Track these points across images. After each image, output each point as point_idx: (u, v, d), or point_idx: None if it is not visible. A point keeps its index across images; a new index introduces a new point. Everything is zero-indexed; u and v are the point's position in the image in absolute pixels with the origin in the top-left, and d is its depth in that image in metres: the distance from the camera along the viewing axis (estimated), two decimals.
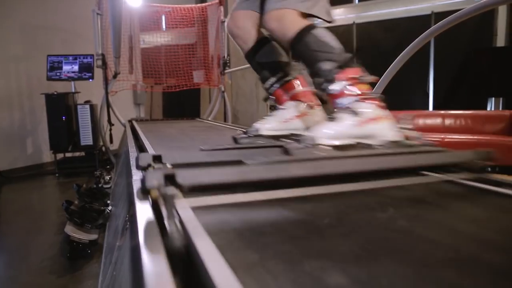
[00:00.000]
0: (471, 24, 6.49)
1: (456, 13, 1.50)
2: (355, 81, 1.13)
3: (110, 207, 2.02)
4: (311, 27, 1.25)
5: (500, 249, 0.50)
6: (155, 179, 0.64)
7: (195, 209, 0.63)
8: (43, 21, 4.78)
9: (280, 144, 1.25)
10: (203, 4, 5.70)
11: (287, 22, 1.27)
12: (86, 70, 4.52)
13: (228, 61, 4.97)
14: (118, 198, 1.71)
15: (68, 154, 4.63)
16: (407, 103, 6.94)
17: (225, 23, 1.52)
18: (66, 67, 4.48)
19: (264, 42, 1.46)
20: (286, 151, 1.00)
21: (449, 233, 0.55)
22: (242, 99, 6.21)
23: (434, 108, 7.03)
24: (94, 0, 4.24)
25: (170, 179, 0.67)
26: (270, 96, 1.47)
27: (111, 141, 4.20)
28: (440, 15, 6.80)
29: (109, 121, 4.13)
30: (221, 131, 2.62)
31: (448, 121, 4.72)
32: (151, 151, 1.51)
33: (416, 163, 0.95)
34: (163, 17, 5.81)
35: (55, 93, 4.35)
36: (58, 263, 2.04)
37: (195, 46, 5.60)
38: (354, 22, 7.82)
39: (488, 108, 6.50)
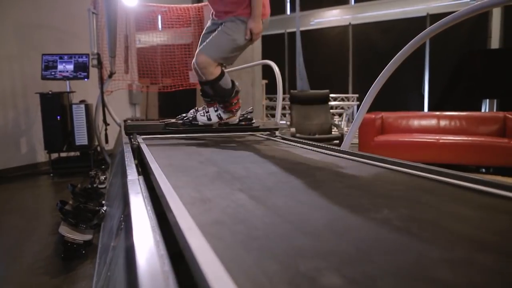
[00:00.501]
0: (465, 26, 6.54)
1: (451, 15, 1.51)
2: (229, 105, 2.08)
3: (105, 208, 2.01)
4: (220, 77, 1.96)
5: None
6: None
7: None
8: (38, 20, 4.75)
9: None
10: (199, 4, 5.70)
11: (206, 70, 1.93)
12: (82, 69, 4.49)
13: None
14: (113, 198, 1.71)
15: (63, 154, 4.60)
16: (403, 104, 6.99)
17: (192, 62, 2.10)
18: (61, 67, 4.45)
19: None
20: (188, 123, 2.17)
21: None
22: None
23: (429, 109, 7.08)
24: None
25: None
26: (205, 103, 2.23)
27: (107, 141, 4.18)
28: (435, 17, 6.85)
29: (104, 121, 4.12)
30: None
31: (443, 123, 4.75)
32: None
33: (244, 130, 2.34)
34: (159, 17, 5.80)
35: (50, 92, 4.32)
36: (52, 264, 2.02)
37: (191, 46, 5.60)
38: (350, 23, 7.86)
39: (483, 110, 6.55)
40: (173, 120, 2.19)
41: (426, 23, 6.96)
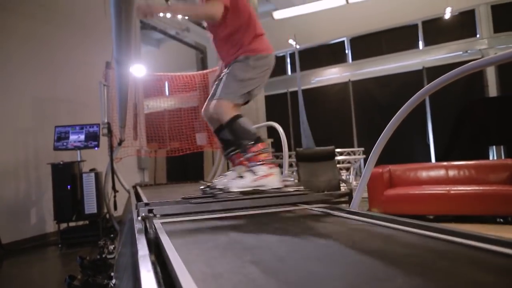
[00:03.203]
0: (463, 76, 6.75)
1: (451, 72, 1.58)
2: (259, 152, 1.85)
3: (113, 280, 1.96)
4: (237, 117, 1.88)
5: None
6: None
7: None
8: (53, 94, 5.01)
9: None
10: (205, 71, 6.00)
11: (221, 114, 1.90)
12: (92, 138, 4.63)
13: None
14: (122, 270, 1.67)
15: (72, 223, 4.59)
16: (409, 155, 6.99)
17: (202, 112, 2.14)
18: (72, 137, 4.60)
19: (223, 126, 2.03)
20: (213, 195, 1.77)
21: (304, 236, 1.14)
22: None
23: (436, 159, 7.06)
24: (101, 73, 4.49)
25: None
26: (227, 160, 2.13)
27: (115, 208, 4.18)
28: (431, 70, 7.11)
29: (113, 188, 4.15)
30: None
31: (451, 173, 4.71)
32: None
33: (289, 200, 1.76)
34: (166, 84, 6.08)
35: (61, 162, 4.42)
36: None
37: (198, 109, 5.79)
38: (349, 80, 8.15)
39: (490, 157, 6.52)
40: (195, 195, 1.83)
41: (423, 76, 7.20)
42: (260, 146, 1.86)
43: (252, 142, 1.84)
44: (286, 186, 1.89)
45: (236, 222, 1.43)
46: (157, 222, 1.40)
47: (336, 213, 1.53)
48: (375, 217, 1.37)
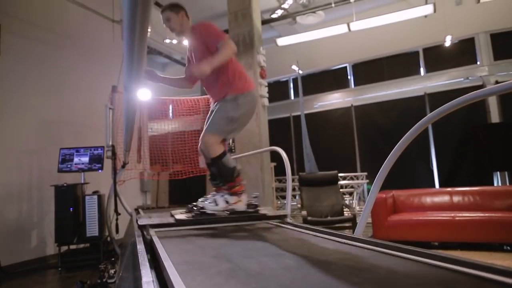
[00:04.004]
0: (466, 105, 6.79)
1: (454, 100, 1.61)
2: (233, 185, 2.25)
3: None
4: (222, 155, 2.21)
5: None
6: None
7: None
8: (58, 116, 5.08)
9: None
10: (208, 95, 6.08)
11: (209, 149, 2.21)
12: (96, 161, 4.65)
13: (233, 147, 5.12)
14: None
15: (73, 246, 4.54)
16: (412, 180, 6.96)
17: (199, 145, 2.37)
18: (76, 159, 4.63)
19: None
20: (197, 213, 2.24)
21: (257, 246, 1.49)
22: (248, 183, 6.25)
23: (440, 183, 7.01)
24: (107, 96, 4.56)
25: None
26: (213, 187, 2.40)
27: (117, 231, 4.15)
28: (433, 96, 7.18)
29: (116, 210, 4.14)
30: None
31: (456, 198, 4.67)
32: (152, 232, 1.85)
33: (248, 219, 2.28)
34: (171, 107, 6.15)
35: (65, 184, 4.43)
36: None
37: (201, 132, 5.83)
38: (352, 105, 8.22)
39: (495, 183, 6.47)
40: (183, 216, 2.23)
41: (425, 101, 7.26)
42: (238, 180, 2.26)
43: (231, 179, 2.24)
44: (249, 207, 2.32)
45: (212, 232, 2.00)
46: (152, 230, 1.93)
47: (284, 225, 2.13)
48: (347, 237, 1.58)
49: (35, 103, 4.79)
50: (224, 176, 2.23)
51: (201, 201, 2.30)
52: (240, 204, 2.26)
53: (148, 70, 2.48)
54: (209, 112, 2.43)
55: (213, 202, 2.25)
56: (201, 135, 2.29)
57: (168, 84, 2.68)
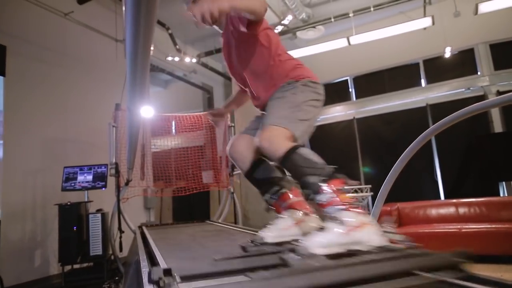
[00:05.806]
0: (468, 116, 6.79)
1: (457, 112, 1.62)
2: (338, 192, 1.27)
3: None
4: (297, 147, 1.40)
5: None
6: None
7: None
8: (63, 135, 5.12)
9: (281, 249, 1.36)
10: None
11: (276, 143, 1.43)
12: (100, 179, 4.66)
13: None
14: None
15: (76, 265, 4.51)
16: (417, 192, 6.89)
17: (227, 149, 1.79)
18: (80, 177, 4.63)
19: (259, 162, 1.68)
20: (283, 261, 1.13)
21: None
22: (252, 199, 6.24)
23: (445, 195, 6.95)
24: (110, 113, 4.59)
25: None
26: (269, 207, 1.64)
27: (121, 249, 4.13)
28: (434, 107, 7.18)
29: (119, 228, 4.12)
30: (231, 235, 2.61)
31: (462, 210, 4.62)
32: (162, 262, 1.52)
33: (404, 267, 1.04)
34: (173, 123, 6.19)
35: (69, 203, 4.42)
36: None
37: (204, 148, 5.84)
38: (354, 117, 8.23)
39: (501, 193, 6.41)
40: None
41: (427, 112, 7.26)
42: (336, 183, 1.29)
43: (325, 178, 1.30)
44: (392, 241, 1.25)
45: None
46: None
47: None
48: None
49: (39, 122, 4.83)
50: (309, 174, 1.31)
51: (269, 231, 1.49)
52: (370, 229, 1.22)
53: (213, 113, 2.06)
54: (245, 129, 1.82)
55: (331, 231, 1.22)
56: (259, 133, 1.53)
57: (237, 107, 2.15)
